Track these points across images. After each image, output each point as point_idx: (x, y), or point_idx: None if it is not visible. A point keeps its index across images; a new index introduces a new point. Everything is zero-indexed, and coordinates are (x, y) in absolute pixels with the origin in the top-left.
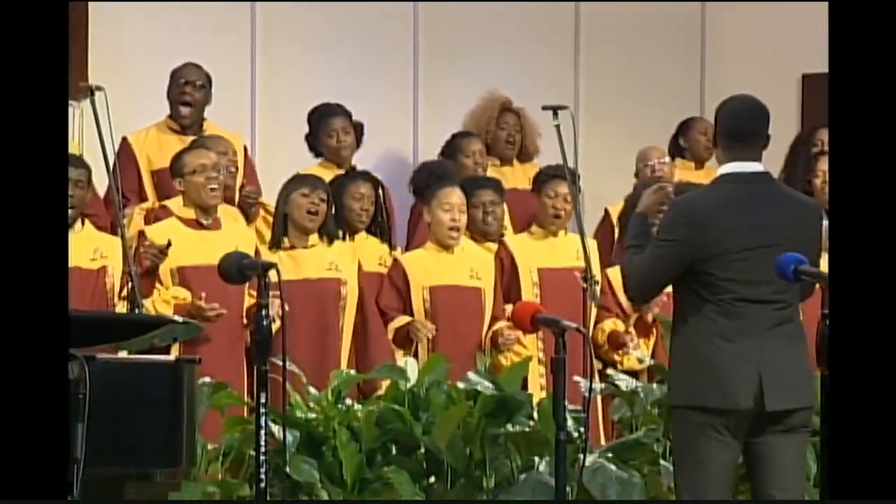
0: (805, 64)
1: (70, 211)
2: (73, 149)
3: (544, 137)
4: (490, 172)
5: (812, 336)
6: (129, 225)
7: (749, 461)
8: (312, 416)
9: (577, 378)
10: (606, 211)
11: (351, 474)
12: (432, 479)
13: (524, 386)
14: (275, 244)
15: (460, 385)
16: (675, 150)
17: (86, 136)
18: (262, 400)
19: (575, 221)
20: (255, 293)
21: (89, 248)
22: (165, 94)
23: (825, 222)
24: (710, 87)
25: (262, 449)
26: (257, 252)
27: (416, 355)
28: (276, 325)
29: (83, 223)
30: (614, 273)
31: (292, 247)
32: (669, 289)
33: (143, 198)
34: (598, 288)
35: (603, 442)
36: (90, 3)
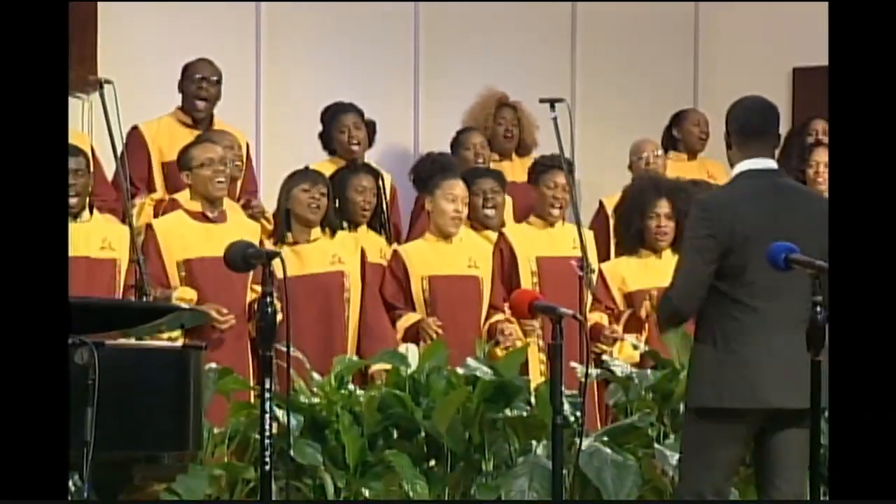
0: (796, 58)
1: (75, 199)
2: (82, 140)
3: (542, 130)
4: (490, 166)
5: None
6: (140, 215)
7: (760, 454)
8: (316, 401)
9: (573, 364)
10: (601, 203)
11: (353, 457)
12: (432, 463)
13: (524, 372)
14: (278, 239)
15: (460, 371)
16: (669, 142)
17: (95, 128)
18: (267, 385)
19: (572, 212)
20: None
21: (98, 238)
22: (177, 87)
23: None
24: (704, 81)
25: (267, 433)
26: (262, 243)
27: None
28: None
29: (91, 212)
30: (608, 267)
31: (295, 242)
32: (658, 285)
33: (151, 188)
34: (594, 276)
35: (598, 426)
36: (99, 3)
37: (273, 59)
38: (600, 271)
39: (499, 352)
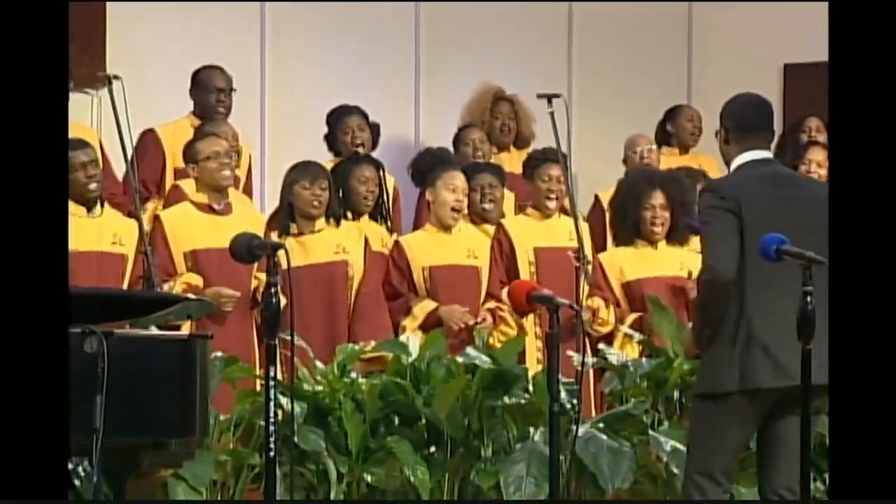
0: (786, 55)
1: (94, 185)
2: (91, 135)
3: (539, 124)
4: (490, 160)
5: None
6: (150, 220)
7: (766, 439)
8: (319, 388)
9: (570, 353)
10: (597, 197)
11: (355, 444)
12: (433, 449)
13: (522, 360)
14: (282, 231)
15: (459, 359)
16: (662, 137)
17: (104, 123)
18: (272, 373)
19: (569, 204)
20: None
21: (109, 233)
22: (190, 94)
23: None
24: (697, 79)
25: (272, 420)
26: (266, 234)
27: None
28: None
29: (102, 206)
30: (606, 257)
31: (300, 233)
32: (655, 274)
33: (162, 193)
34: (589, 267)
35: (594, 413)
36: (108, 2)
37: (277, 58)
38: (599, 262)
39: (492, 340)
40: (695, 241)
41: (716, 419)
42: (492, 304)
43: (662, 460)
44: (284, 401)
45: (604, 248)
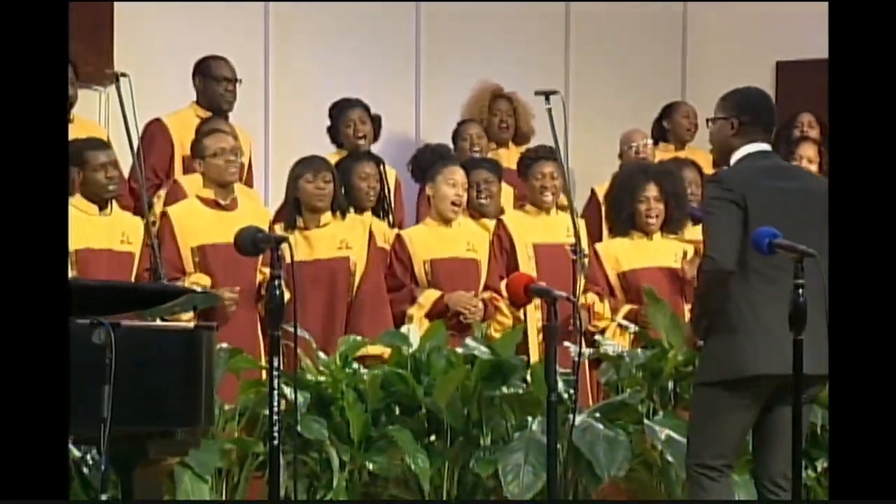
0: (778, 53)
1: (112, 187)
2: (100, 132)
3: (538, 121)
4: (488, 156)
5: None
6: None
7: (763, 428)
8: (322, 379)
9: (567, 343)
10: (593, 191)
11: (357, 433)
12: (433, 438)
13: (523, 351)
14: (289, 225)
15: (459, 350)
16: (659, 133)
17: (111, 119)
18: (275, 364)
19: (565, 199)
20: (267, 269)
21: (119, 231)
22: (193, 83)
23: None
24: (691, 76)
25: (275, 409)
26: (271, 229)
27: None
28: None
29: (111, 207)
30: (602, 247)
31: (306, 227)
32: (650, 264)
33: (172, 179)
34: (586, 260)
35: (591, 403)
36: (116, 1)
37: (281, 56)
38: (595, 251)
39: (478, 325)
40: (689, 232)
41: (716, 406)
42: (486, 295)
43: (657, 449)
44: (288, 391)
45: (600, 241)
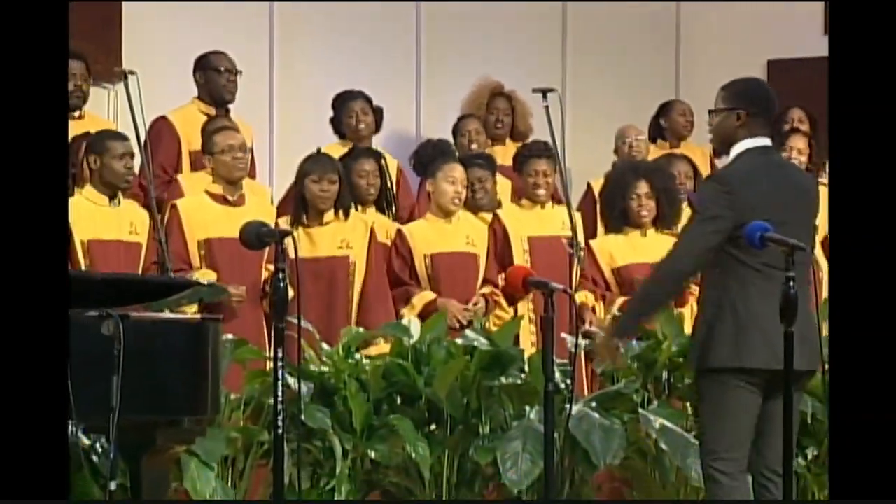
0: (770, 51)
1: (130, 177)
2: (108, 128)
3: (536, 118)
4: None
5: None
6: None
7: (758, 421)
8: (325, 369)
9: (563, 335)
10: (589, 185)
11: (360, 422)
12: (433, 427)
13: (516, 343)
14: (295, 221)
15: (458, 341)
16: (656, 131)
17: (119, 116)
18: (280, 355)
19: (562, 194)
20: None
21: (127, 222)
22: (194, 78)
23: None
24: (685, 74)
25: (280, 399)
26: (276, 224)
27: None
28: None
29: (120, 198)
30: (597, 244)
31: (309, 224)
32: (643, 260)
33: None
34: (582, 254)
35: (586, 393)
36: (123, 2)
37: (285, 55)
38: (589, 248)
39: (489, 324)
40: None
41: (724, 393)
42: (487, 290)
43: (652, 437)
44: (292, 381)
45: (595, 235)
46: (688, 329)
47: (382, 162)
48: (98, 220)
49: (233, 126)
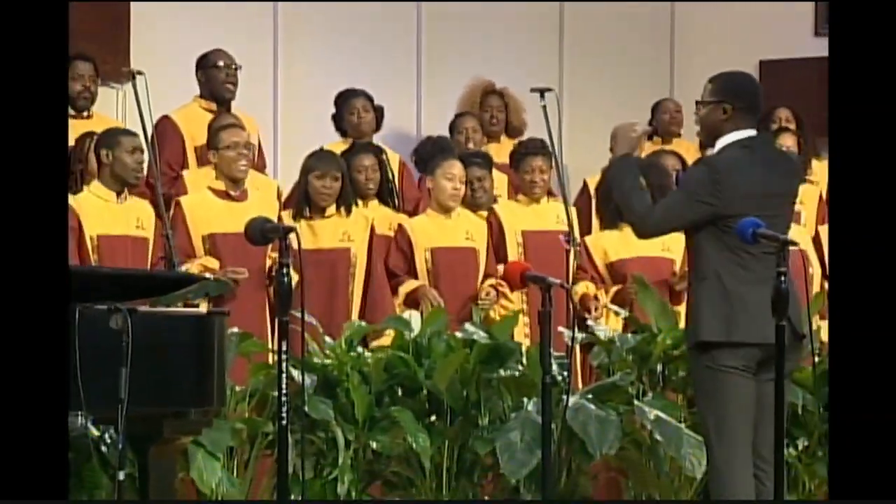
0: (762, 52)
1: (139, 174)
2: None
3: (533, 116)
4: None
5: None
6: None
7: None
8: (328, 362)
9: (561, 328)
10: (585, 182)
11: (362, 413)
12: (433, 418)
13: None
14: (297, 214)
15: (458, 335)
16: (652, 130)
17: (128, 116)
18: (284, 348)
19: (559, 190)
20: (275, 254)
21: (133, 217)
22: (197, 76)
23: None
24: (679, 73)
25: (284, 390)
26: (279, 219)
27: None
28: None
29: (126, 195)
30: (591, 240)
31: (312, 217)
32: (637, 255)
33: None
34: (579, 248)
35: (580, 385)
36: (132, 3)
37: (287, 55)
38: (584, 244)
39: (492, 314)
40: None
41: (714, 370)
42: (493, 281)
43: (646, 428)
44: (295, 373)
45: (590, 231)
46: (682, 324)
47: (383, 157)
48: (106, 215)
49: (238, 123)
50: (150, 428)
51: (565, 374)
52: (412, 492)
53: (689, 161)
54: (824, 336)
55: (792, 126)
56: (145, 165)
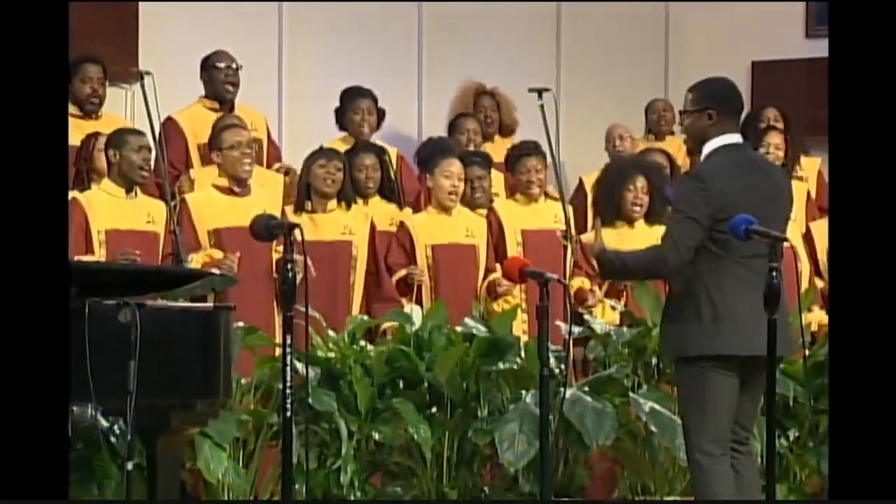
0: (754, 53)
1: (146, 172)
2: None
3: (528, 115)
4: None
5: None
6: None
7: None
8: (331, 355)
9: (558, 322)
10: (581, 180)
11: (364, 405)
12: (434, 409)
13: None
14: (299, 208)
15: (458, 329)
16: (645, 130)
17: (136, 116)
18: (288, 341)
19: (556, 188)
20: (281, 249)
21: (144, 212)
22: (201, 77)
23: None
24: (674, 74)
25: (288, 383)
26: (283, 214)
27: (420, 303)
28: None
29: (136, 192)
30: (586, 238)
31: (314, 211)
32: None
33: (190, 168)
34: (576, 245)
35: (578, 378)
36: (140, 3)
37: (289, 55)
38: (580, 241)
39: (496, 307)
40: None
41: (702, 380)
42: (497, 275)
43: (642, 420)
44: (300, 366)
45: (586, 229)
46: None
47: (385, 157)
48: (115, 211)
49: (240, 123)
50: (158, 419)
51: (562, 366)
52: (413, 481)
53: (678, 159)
54: (815, 327)
55: (780, 125)
56: (152, 164)
